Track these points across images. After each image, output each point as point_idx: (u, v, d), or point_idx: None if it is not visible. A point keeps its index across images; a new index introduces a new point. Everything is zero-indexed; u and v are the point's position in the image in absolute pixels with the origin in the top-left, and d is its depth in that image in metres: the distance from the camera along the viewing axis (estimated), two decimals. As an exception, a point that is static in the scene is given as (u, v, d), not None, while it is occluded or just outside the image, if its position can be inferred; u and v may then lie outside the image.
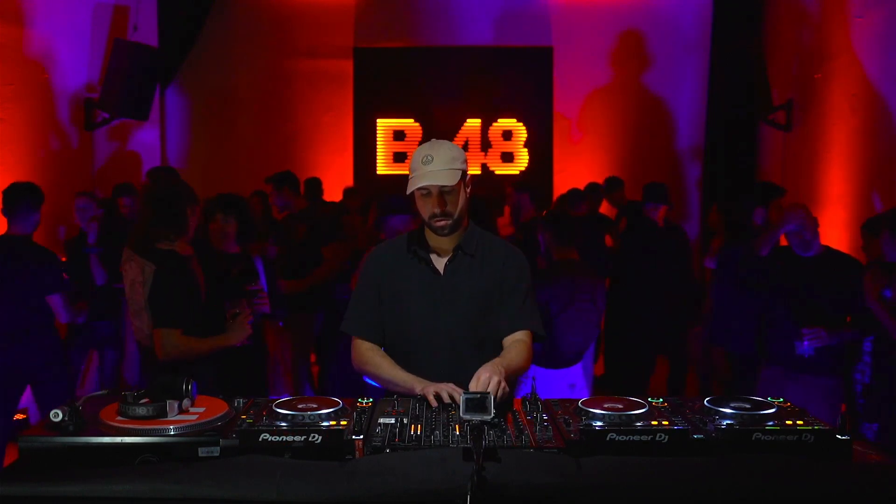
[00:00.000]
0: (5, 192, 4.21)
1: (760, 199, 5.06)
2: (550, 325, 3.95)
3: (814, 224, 3.84)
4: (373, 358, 2.54)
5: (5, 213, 4.20)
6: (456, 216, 2.46)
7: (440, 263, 2.53)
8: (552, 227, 4.24)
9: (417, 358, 2.50)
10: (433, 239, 2.54)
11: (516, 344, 2.51)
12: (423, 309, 2.51)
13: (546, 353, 4.06)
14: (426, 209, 2.46)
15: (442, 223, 2.45)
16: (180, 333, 3.00)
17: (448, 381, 2.30)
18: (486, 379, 2.20)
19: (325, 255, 5.23)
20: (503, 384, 2.24)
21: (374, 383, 3.66)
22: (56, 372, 4.26)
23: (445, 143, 2.49)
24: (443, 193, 2.42)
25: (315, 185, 6.79)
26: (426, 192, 2.43)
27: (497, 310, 2.53)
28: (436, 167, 2.39)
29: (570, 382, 4.20)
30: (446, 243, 2.53)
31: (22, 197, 4.17)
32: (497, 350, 2.51)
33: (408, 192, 2.45)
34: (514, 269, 2.56)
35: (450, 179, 2.40)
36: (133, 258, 3.14)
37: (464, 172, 2.45)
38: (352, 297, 2.66)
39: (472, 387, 2.16)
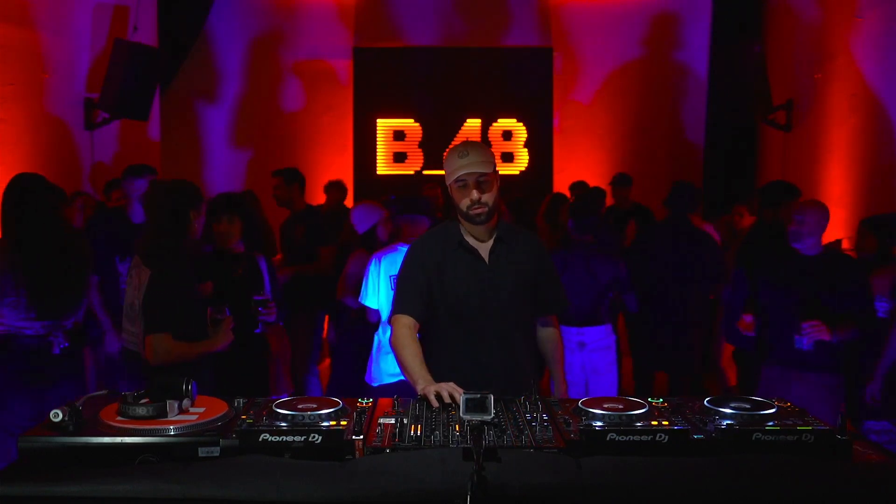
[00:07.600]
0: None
1: (775, 200, 4.76)
2: None
3: (807, 216, 3.78)
4: (404, 339, 2.63)
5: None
6: (491, 205, 2.64)
7: (484, 251, 2.72)
8: (573, 220, 4.56)
9: (469, 342, 2.68)
10: (470, 229, 2.72)
11: (553, 345, 2.96)
12: (473, 296, 2.68)
13: None
14: (464, 200, 2.62)
15: (478, 210, 2.61)
16: (171, 338, 2.93)
17: (499, 360, 2.65)
18: None
19: (321, 253, 5.30)
20: None
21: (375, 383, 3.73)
22: None
23: (479, 142, 2.75)
24: (480, 183, 2.59)
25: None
26: (463, 183, 2.61)
27: (536, 292, 2.81)
28: (473, 159, 2.59)
29: (579, 340, 4.44)
30: (481, 233, 2.71)
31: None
32: (533, 328, 2.87)
33: (448, 182, 2.66)
34: (545, 255, 2.88)
35: (487, 167, 2.60)
36: (140, 265, 3.14)
37: (495, 167, 2.66)
38: (398, 282, 2.79)
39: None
